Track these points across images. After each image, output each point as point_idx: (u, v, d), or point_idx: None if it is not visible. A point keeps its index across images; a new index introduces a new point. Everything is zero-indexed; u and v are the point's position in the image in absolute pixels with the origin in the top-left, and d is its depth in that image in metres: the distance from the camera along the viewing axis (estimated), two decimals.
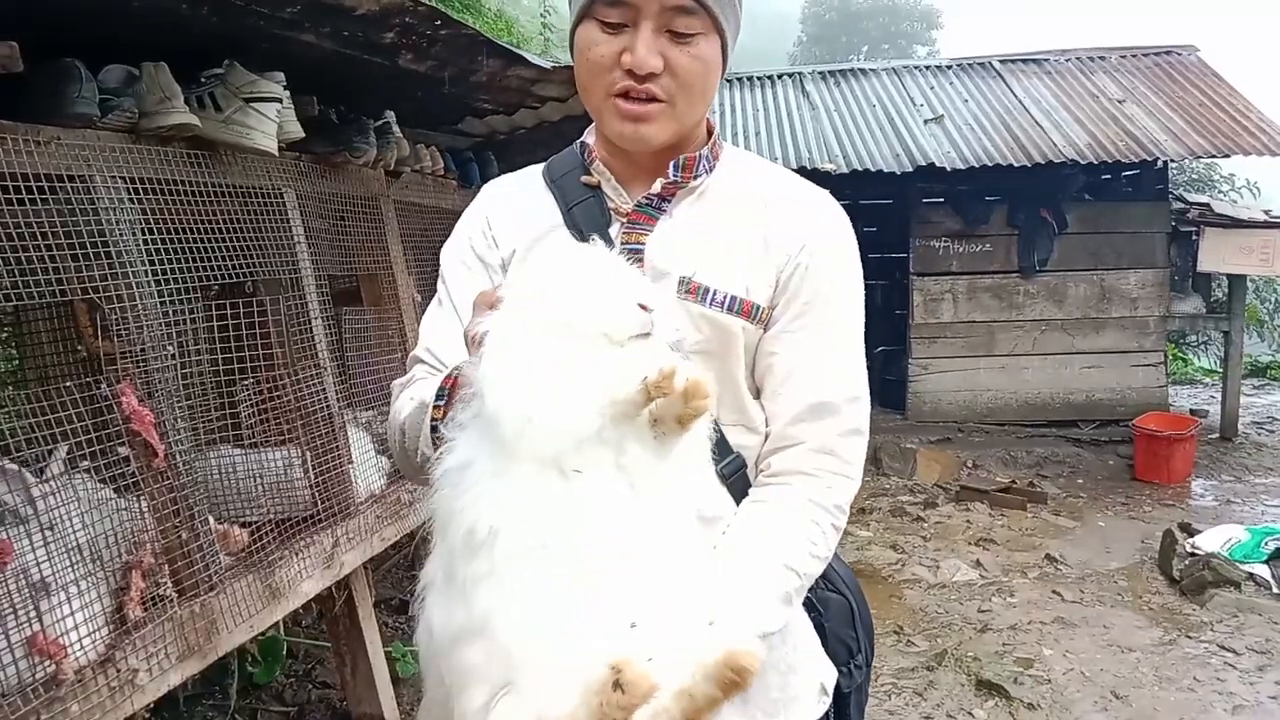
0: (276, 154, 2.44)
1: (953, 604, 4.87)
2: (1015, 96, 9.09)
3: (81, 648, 1.72)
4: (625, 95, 1.22)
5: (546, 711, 0.87)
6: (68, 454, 1.83)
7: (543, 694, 0.88)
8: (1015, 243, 8.45)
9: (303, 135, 2.59)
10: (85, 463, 1.83)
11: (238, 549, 2.37)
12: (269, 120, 2.39)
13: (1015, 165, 7.80)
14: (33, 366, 2.52)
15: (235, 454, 2.60)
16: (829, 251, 1.32)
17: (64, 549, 1.78)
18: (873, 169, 8.15)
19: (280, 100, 2.44)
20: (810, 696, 1.40)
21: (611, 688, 0.81)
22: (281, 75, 2.48)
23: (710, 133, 1.37)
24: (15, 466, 1.89)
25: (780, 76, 10.63)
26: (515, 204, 1.41)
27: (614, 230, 1.33)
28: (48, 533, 1.80)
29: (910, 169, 8.02)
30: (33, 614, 1.64)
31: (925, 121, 8.93)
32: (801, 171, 8.25)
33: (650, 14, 1.17)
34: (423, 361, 1.37)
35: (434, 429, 1.14)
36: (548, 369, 0.95)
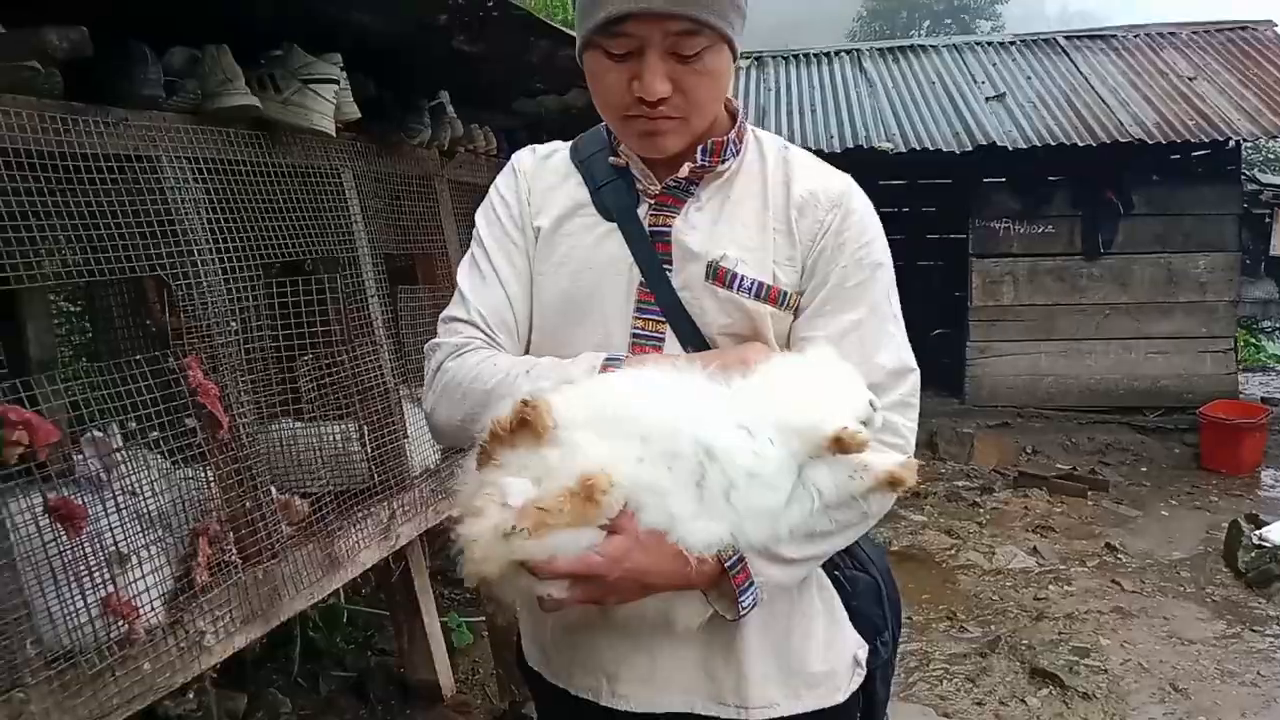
0: (334, 134, 2.48)
1: (1008, 591, 4.82)
2: (1081, 74, 8.85)
3: (152, 609, 1.80)
4: (639, 117, 1.23)
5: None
6: (139, 425, 1.90)
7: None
8: (1079, 225, 8.26)
9: (359, 116, 2.63)
10: (154, 434, 1.89)
11: (299, 519, 2.45)
12: (326, 101, 2.44)
13: (1080, 145, 7.60)
14: (105, 340, 2.62)
15: (296, 427, 2.67)
16: (852, 232, 1.32)
17: (135, 516, 1.85)
18: (931, 148, 8.01)
19: (337, 82, 2.48)
20: (845, 669, 1.42)
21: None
22: (339, 57, 2.53)
23: (734, 116, 1.38)
24: (101, 434, 1.97)
25: (837, 53, 10.49)
26: (546, 179, 1.42)
27: (641, 211, 1.34)
28: (129, 498, 1.88)
29: (970, 148, 7.86)
30: (107, 576, 1.71)
31: (987, 99, 8.75)
32: (858, 150, 8.23)
33: (654, 42, 1.17)
34: (473, 325, 1.36)
35: None
36: None
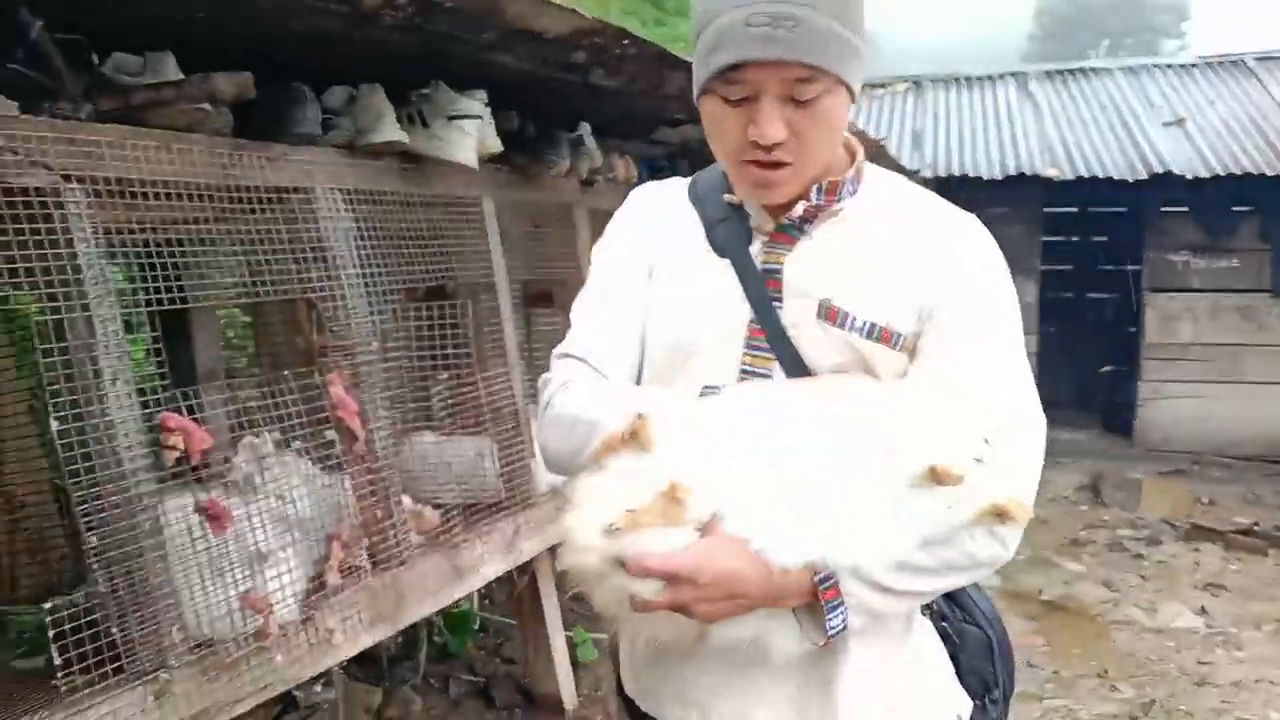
0: (476, 166, 2.62)
1: (1168, 651, 4.47)
2: (1271, 98, 8.21)
3: (286, 606, 1.94)
4: (754, 162, 1.24)
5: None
6: (283, 434, 2.06)
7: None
8: (1268, 259, 7.63)
9: (501, 149, 2.77)
10: (297, 443, 2.05)
11: (429, 529, 2.59)
12: (469, 136, 2.59)
13: (1270, 174, 7.04)
14: (266, 356, 2.85)
15: (433, 441, 2.83)
16: (974, 272, 1.28)
17: (278, 518, 2.01)
18: (1101, 175, 7.62)
19: (480, 117, 2.63)
20: None
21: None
22: (483, 94, 2.68)
23: (854, 155, 1.37)
24: (256, 440, 2.16)
25: (1002, 76, 10.14)
26: (663, 216, 1.44)
27: (754, 249, 1.35)
28: (272, 502, 2.05)
29: (1144, 176, 7.43)
30: (248, 573, 1.87)
31: (1164, 125, 8.24)
32: (1021, 177, 7.94)
33: (770, 89, 1.17)
34: (583, 361, 1.42)
35: None
36: None
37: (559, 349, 1.45)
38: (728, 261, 1.36)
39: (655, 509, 1.09)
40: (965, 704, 1.40)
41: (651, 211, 1.47)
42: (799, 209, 1.31)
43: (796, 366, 1.31)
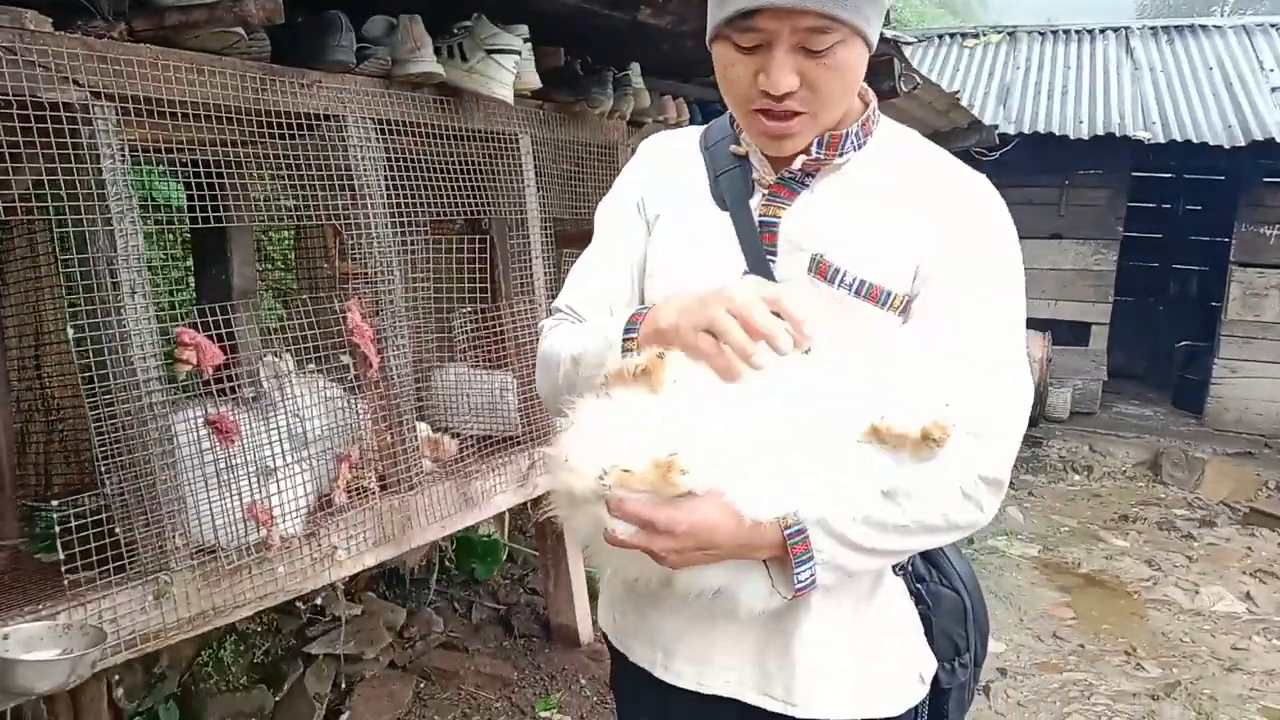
0: (511, 102, 2.62)
1: (1203, 634, 4.38)
2: None
3: (291, 521, 2.03)
4: (765, 112, 1.22)
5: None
6: (300, 356, 2.13)
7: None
8: None
9: (539, 85, 2.76)
10: (311, 366, 2.12)
11: (447, 457, 2.65)
12: (507, 71, 2.58)
13: None
14: (306, 278, 2.93)
15: (460, 371, 2.88)
16: (976, 240, 1.25)
17: (288, 435, 2.09)
18: (1195, 140, 7.26)
19: (519, 53, 2.61)
20: (906, 683, 1.38)
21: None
22: (524, 29, 2.65)
23: (867, 107, 1.34)
24: (276, 358, 2.24)
25: (1103, 31, 9.65)
26: (670, 167, 1.44)
27: (755, 201, 1.34)
28: (284, 419, 2.13)
29: (1242, 143, 7.04)
30: (254, 487, 1.95)
31: (1273, 90, 7.76)
32: (1109, 138, 7.62)
33: (783, 37, 1.14)
34: (570, 311, 1.45)
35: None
36: None
37: (556, 300, 1.49)
38: (728, 214, 1.36)
39: (648, 477, 1.10)
40: (929, 664, 1.41)
41: (660, 162, 1.47)
42: (798, 163, 1.30)
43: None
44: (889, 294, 1.26)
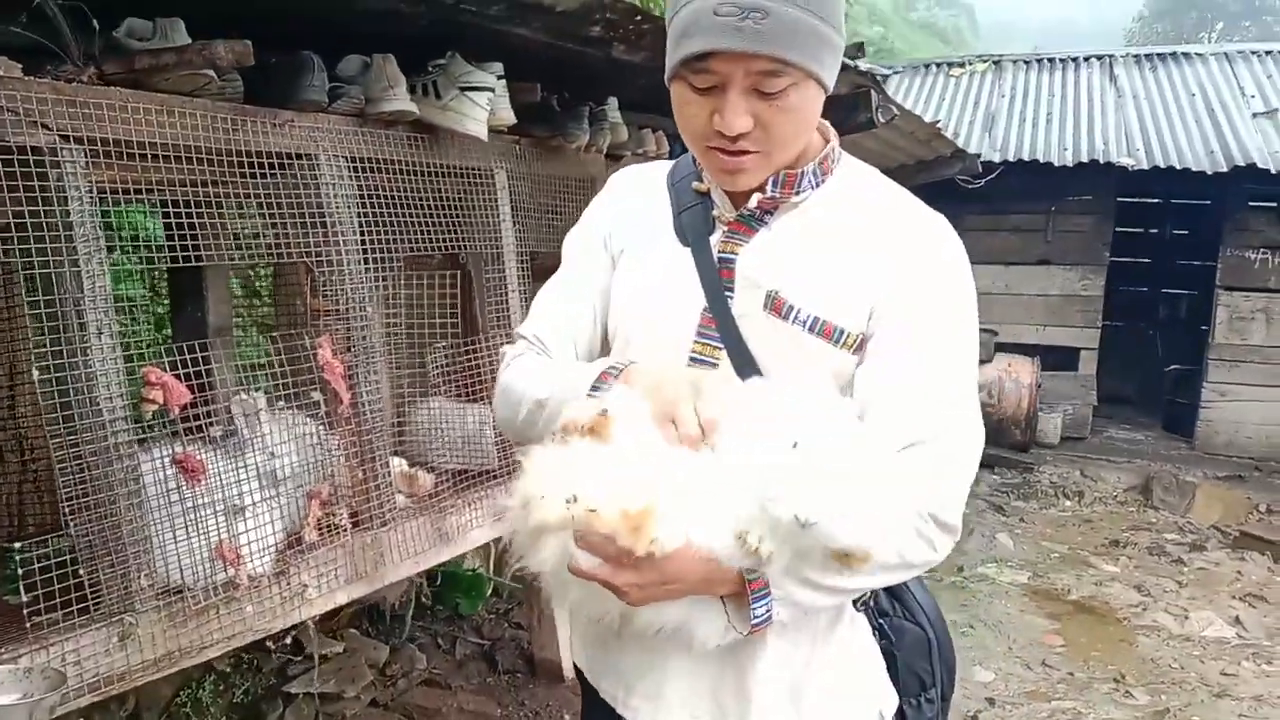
0: (485, 138, 2.64)
1: (1192, 660, 4.36)
2: None
3: (258, 560, 2.02)
4: (720, 149, 1.23)
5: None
6: (270, 393, 2.14)
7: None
8: None
9: (515, 121, 2.78)
10: (281, 403, 2.12)
11: (423, 492, 2.65)
12: (481, 108, 2.60)
13: None
14: (284, 314, 2.94)
15: (438, 405, 2.89)
16: (929, 280, 1.26)
17: (257, 474, 2.09)
18: (1178, 166, 7.32)
19: (493, 90, 2.64)
20: (868, 718, 1.38)
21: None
22: (499, 66, 2.69)
23: (828, 141, 1.35)
24: (247, 397, 2.24)
25: (1087, 59, 9.77)
26: (636, 203, 1.46)
27: (715, 238, 1.35)
28: (254, 457, 2.13)
29: (1224, 168, 7.11)
30: (221, 526, 1.95)
31: (1254, 115, 7.85)
32: (1094, 165, 7.70)
33: (736, 80, 1.16)
34: (532, 341, 1.46)
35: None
36: None
37: (519, 329, 1.50)
38: (689, 249, 1.37)
39: (613, 523, 1.10)
40: (890, 701, 1.41)
41: (627, 197, 1.49)
42: (754, 201, 1.31)
43: (742, 357, 1.32)
44: (843, 331, 1.27)
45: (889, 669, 1.43)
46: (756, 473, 1.11)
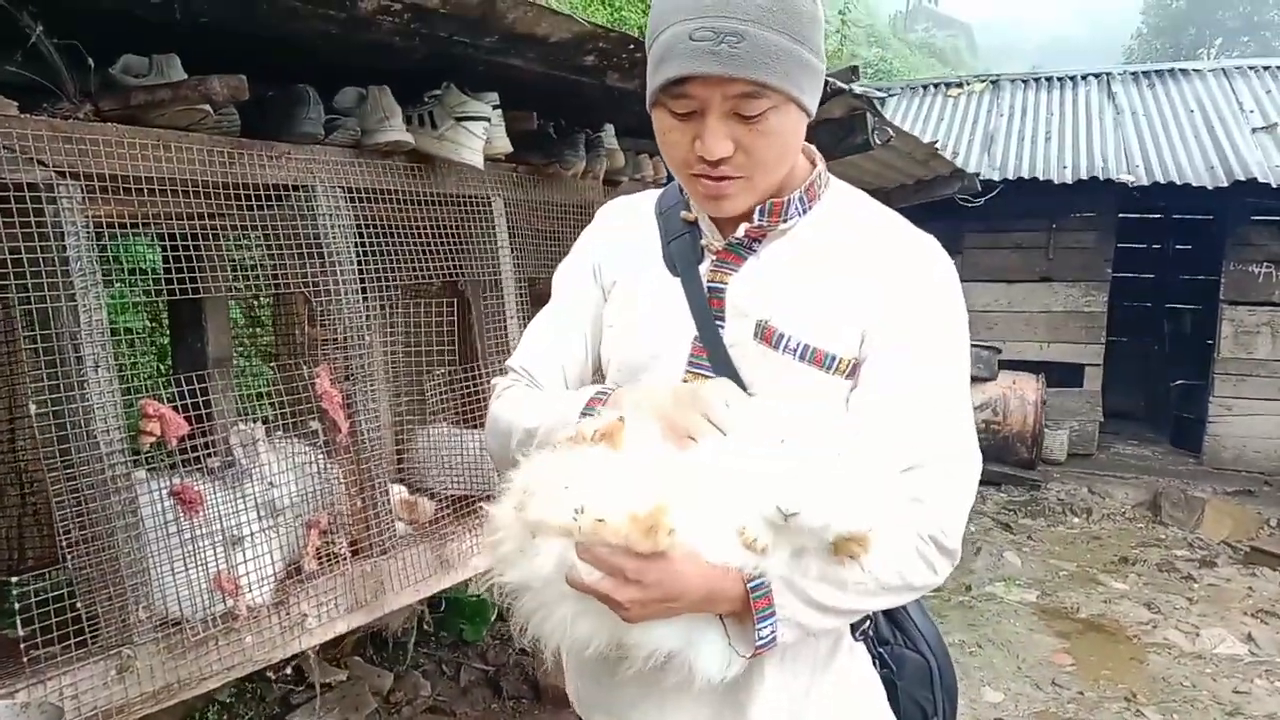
0: (481, 167, 2.67)
1: (1204, 678, 4.31)
2: None
3: (256, 590, 2.02)
4: (703, 175, 1.24)
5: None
6: (268, 422, 2.15)
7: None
8: None
9: (510, 150, 2.81)
10: (279, 432, 2.13)
11: (424, 519, 2.65)
12: (477, 137, 2.63)
13: None
14: (284, 344, 2.95)
15: (439, 431, 2.89)
16: (920, 303, 1.26)
17: (256, 504, 2.09)
18: (1178, 182, 7.33)
19: (488, 119, 2.66)
20: None
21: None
22: (494, 96, 2.71)
23: (814, 166, 1.36)
24: (246, 427, 2.25)
25: (1085, 77, 9.81)
26: (626, 233, 1.46)
27: (704, 267, 1.35)
28: (253, 488, 2.13)
29: (1224, 183, 7.11)
30: (220, 557, 1.95)
31: (1253, 130, 7.86)
32: (1093, 182, 7.73)
33: (715, 105, 1.16)
34: (521, 373, 1.46)
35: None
36: None
37: (509, 361, 1.50)
38: (679, 279, 1.38)
39: (623, 530, 1.08)
40: None
41: (617, 227, 1.49)
42: (741, 230, 1.31)
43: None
44: (834, 358, 1.26)
45: (890, 698, 1.41)
46: (752, 477, 1.10)
